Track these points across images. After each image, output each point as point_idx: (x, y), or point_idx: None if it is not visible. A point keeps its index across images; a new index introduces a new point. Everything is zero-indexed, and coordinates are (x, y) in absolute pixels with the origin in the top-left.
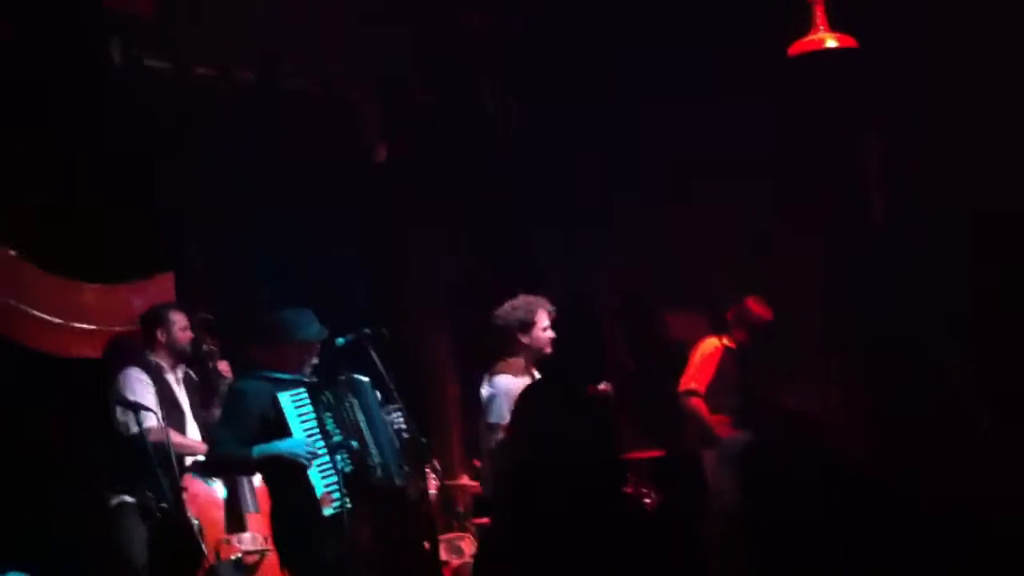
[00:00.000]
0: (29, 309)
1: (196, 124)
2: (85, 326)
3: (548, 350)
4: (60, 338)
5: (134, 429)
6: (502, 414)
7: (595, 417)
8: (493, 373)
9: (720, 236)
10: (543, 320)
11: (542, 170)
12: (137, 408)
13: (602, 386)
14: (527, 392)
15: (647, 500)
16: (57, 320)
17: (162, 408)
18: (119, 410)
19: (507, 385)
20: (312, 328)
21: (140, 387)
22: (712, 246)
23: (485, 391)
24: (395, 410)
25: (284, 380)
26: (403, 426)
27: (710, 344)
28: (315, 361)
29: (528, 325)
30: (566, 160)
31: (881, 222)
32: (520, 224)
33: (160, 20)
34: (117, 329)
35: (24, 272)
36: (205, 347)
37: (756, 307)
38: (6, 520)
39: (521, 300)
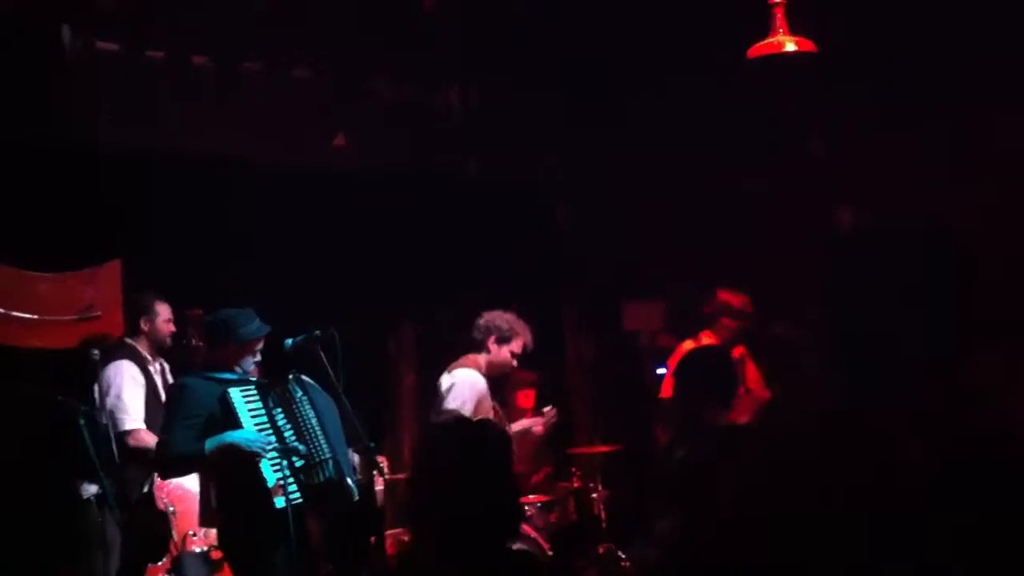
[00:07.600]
0: None
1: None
2: (31, 316)
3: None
4: (6, 329)
5: (116, 428)
6: (462, 400)
7: None
8: (456, 367)
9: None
10: (517, 346)
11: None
12: (124, 409)
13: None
14: None
15: (594, 495)
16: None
17: (146, 403)
18: (107, 405)
19: (468, 376)
20: (251, 326)
21: (131, 386)
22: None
23: (445, 381)
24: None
25: (231, 380)
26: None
27: (688, 347)
28: (258, 358)
29: (505, 339)
30: None
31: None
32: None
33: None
34: (66, 319)
35: None
36: (192, 343)
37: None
38: None
39: (511, 316)
